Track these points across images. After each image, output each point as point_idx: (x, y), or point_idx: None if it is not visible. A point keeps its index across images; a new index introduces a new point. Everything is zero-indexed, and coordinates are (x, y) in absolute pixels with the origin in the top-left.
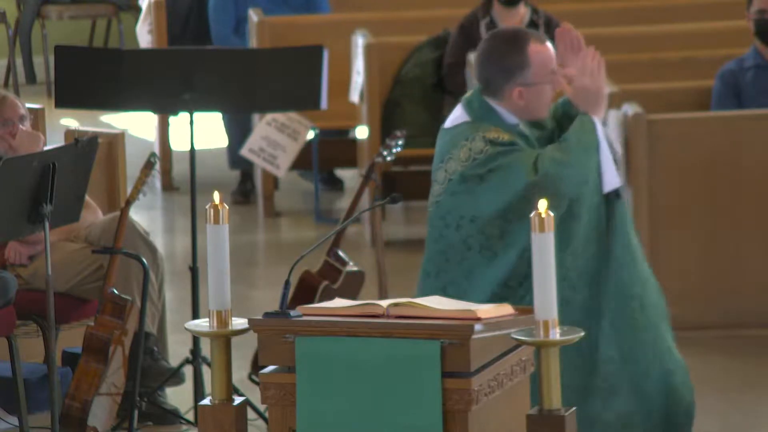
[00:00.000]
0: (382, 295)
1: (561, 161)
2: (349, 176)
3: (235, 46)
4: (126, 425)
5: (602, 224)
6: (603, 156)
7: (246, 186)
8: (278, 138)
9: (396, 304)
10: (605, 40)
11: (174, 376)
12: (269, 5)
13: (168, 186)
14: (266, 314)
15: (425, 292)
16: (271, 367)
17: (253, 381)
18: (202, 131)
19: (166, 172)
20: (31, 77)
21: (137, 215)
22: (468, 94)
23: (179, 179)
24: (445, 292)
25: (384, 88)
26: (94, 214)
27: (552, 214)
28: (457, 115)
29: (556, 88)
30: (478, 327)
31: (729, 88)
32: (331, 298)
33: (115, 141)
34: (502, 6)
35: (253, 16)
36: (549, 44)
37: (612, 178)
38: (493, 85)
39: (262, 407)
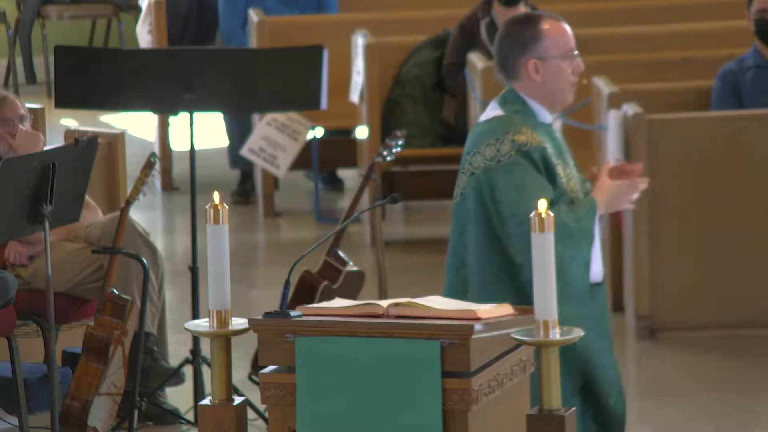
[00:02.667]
0: (382, 295)
1: (569, 231)
2: (349, 176)
3: (243, 42)
4: (126, 425)
5: (593, 310)
6: (594, 249)
7: (246, 186)
8: (278, 138)
9: (396, 304)
10: (605, 40)
11: (174, 376)
12: (277, 5)
13: (168, 186)
14: (266, 314)
15: (448, 285)
16: (271, 367)
17: (253, 381)
18: (202, 131)
19: (166, 172)
20: (31, 77)
21: (137, 215)
22: (503, 91)
23: (179, 179)
24: (465, 284)
25: (384, 88)
26: (94, 214)
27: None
28: (490, 110)
29: (577, 70)
30: (478, 327)
31: (729, 88)
32: (331, 298)
33: (115, 141)
34: (502, 6)
35: (253, 16)
36: (566, 25)
37: (596, 270)
38: (509, 63)
39: (262, 407)
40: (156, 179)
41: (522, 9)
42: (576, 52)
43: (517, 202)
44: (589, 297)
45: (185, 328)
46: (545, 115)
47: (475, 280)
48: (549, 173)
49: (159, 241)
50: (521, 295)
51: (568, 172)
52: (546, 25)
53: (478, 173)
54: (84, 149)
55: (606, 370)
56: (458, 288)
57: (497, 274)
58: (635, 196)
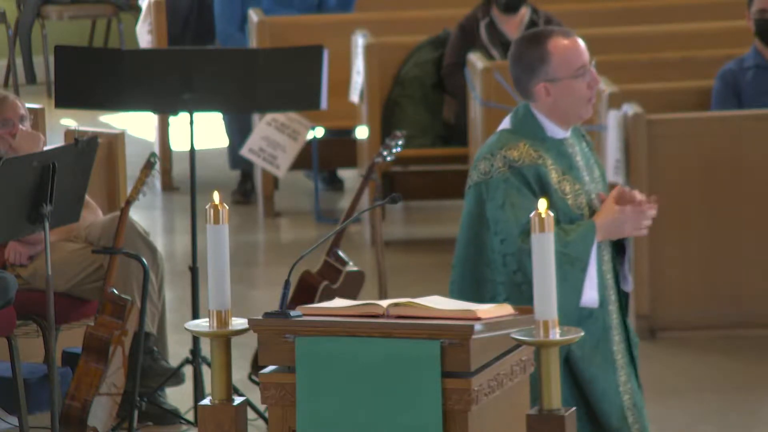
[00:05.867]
0: (382, 295)
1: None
2: (349, 176)
3: (239, 44)
4: (126, 425)
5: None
6: (588, 275)
7: (246, 186)
8: (278, 138)
9: (396, 304)
10: (605, 40)
11: (174, 376)
12: (273, 6)
13: (168, 186)
14: (266, 314)
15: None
16: (271, 367)
17: (253, 381)
18: (202, 131)
19: (166, 172)
20: (31, 77)
21: (137, 215)
22: (518, 104)
23: (179, 179)
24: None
25: (384, 88)
26: (94, 214)
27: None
28: (502, 124)
29: (593, 85)
30: (478, 327)
31: (729, 88)
32: (331, 298)
33: (115, 141)
34: (501, 12)
35: (253, 16)
36: (578, 40)
37: (590, 297)
38: (521, 85)
39: (262, 407)
40: (156, 179)
41: (522, 9)
42: (589, 66)
43: (499, 219)
44: (583, 319)
45: (185, 328)
46: (556, 131)
47: (456, 290)
48: (544, 191)
49: (159, 241)
50: None
51: (577, 188)
52: (553, 45)
53: (472, 187)
54: (84, 149)
55: (606, 389)
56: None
57: (477, 288)
58: (646, 222)
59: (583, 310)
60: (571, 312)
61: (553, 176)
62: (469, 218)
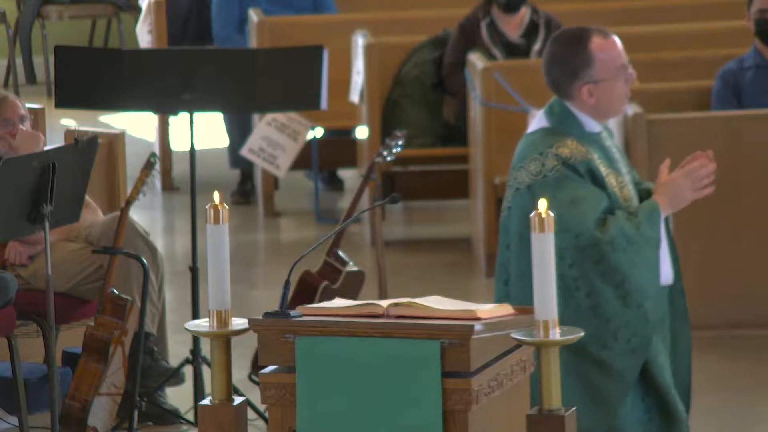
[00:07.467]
0: (382, 295)
1: (629, 237)
2: (349, 176)
3: (237, 45)
4: (126, 425)
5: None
6: (662, 252)
7: (246, 186)
8: (278, 138)
9: (396, 304)
10: None
11: (174, 376)
12: (271, 6)
13: (168, 186)
14: (266, 314)
15: (496, 298)
16: (271, 367)
17: (253, 381)
18: (202, 131)
19: (166, 172)
20: (31, 77)
21: (137, 215)
22: (551, 100)
23: (179, 179)
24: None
25: (384, 88)
26: (94, 214)
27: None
28: (537, 121)
29: (629, 82)
30: (478, 327)
31: (729, 88)
32: (331, 298)
33: (115, 141)
34: (501, 12)
35: (253, 16)
36: (615, 38)
37: (665, 272)
38: (561, 87)
39: (262, 407)
40: (156, 179)
41: (523, 11)
42: (627, 63)
43: (571, 215)
44: (664, 298)
45: (185, 328)
46: (593, 125)
47: (516, 294)
48: (596, 185)
49: (159, 241)
50: (570, 310)
51: (620, 180)
52: (595, 46)
53: (523, 189)
54: (84, 149)
55: (663, 370)
56: (505, 301)
57: None
58: (704, 181)
59: (663, 289)
60: (655, 291)
61: (603, 169)
62: (520, 224)
